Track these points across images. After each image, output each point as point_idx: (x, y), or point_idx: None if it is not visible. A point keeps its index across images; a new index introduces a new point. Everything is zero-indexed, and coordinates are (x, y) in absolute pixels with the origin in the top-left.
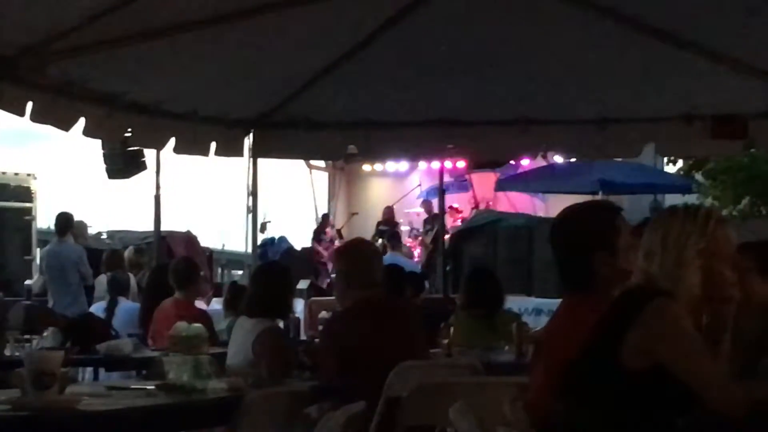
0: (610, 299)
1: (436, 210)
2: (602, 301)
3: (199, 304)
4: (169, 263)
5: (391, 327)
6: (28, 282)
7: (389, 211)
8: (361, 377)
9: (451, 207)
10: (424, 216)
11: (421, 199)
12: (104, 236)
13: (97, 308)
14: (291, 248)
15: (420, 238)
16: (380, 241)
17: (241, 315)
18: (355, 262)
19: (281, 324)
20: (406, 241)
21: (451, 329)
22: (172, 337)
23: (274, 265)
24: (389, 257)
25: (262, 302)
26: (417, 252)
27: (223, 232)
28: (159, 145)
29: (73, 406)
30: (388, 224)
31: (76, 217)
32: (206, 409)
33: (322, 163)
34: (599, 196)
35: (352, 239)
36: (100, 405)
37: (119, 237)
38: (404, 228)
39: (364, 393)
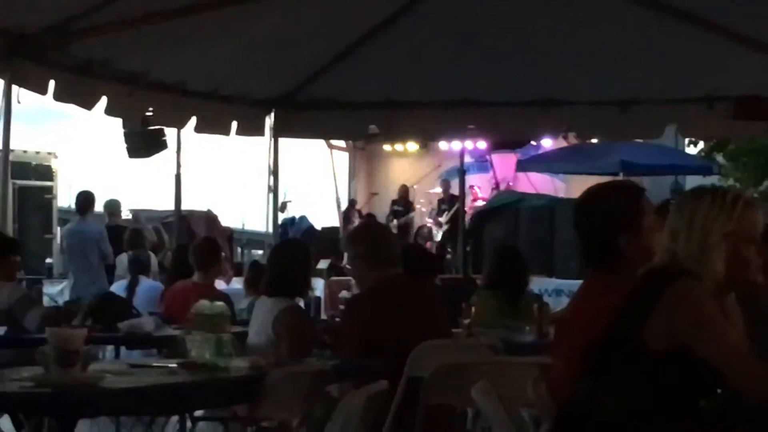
0: (634, 279)
1: (453, 190)
2: (626, 282)
3: (219, 284)
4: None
5: (413, 307)
6: (48, 260)
7: (404, 190)
8: (384, 357)
9: (470, 188)
10: (441, 197)
11: (441, 180)
12: (128, 215)
13: (118, 287)
14: (311, 227)
15: (438, 219)
16: (394, 221)
17: (262, 294)
18: (371, 242)
19: (302, 303)
20: (426, 221)
21: (472, 309)
22: (195, 315)
23: (291, 243)
24: None
25: (281, 281)
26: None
27: (244, 211)
28: (180, 124)
29: (97, 384)
30: (403, 203)
31: (98, 196)
32: (228, 387)
33: (342, 143)
34: (620, 177)
35: (363, 221)
36: (124, 382)
37: (145, 216)
38: (424, 209)
39: (385, 372)
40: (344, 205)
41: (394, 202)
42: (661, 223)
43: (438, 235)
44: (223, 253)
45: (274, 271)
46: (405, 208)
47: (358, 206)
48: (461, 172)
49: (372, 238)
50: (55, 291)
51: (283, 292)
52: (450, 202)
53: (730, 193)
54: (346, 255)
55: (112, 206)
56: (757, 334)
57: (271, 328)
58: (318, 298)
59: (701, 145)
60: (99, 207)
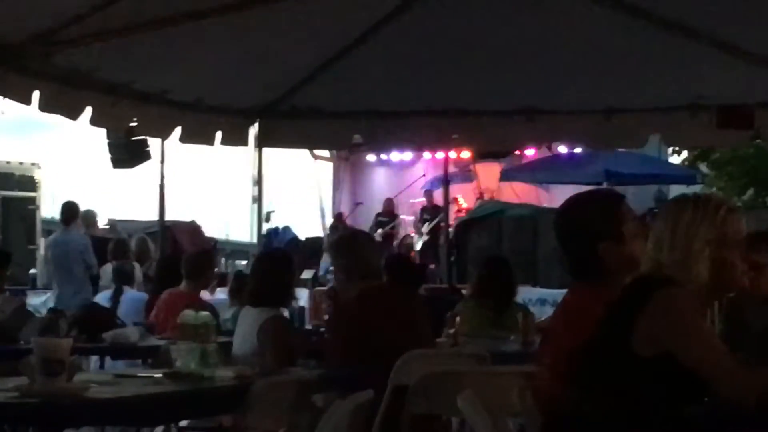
0: (617, 287)
1: (436, 201)
2: (609, 290)
3: (203, 294)
4: (177, 254)
5: (397, 316)
6: (32, 271)
7: (389, 203)
8: (369, 366)
9: (454, 199)
10: (423, 206)
11: (424, 190)
12: (106, 225)
13: (103, 297)
14: (295, 238)
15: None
16: (379, 231)
17: (246, 304)
18: (354, 253)
19: (286, 313)
20: (410, 231)
21: (457, 319)
22: (181, 325)
23: (274, 253)
24: None
25: (264, 291)
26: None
27: (228, 221)
28: (164, 135)
29: (82, 394)
30: (388, 216)
31: (81, 207)
32: (214, 397)
33: (326, 153)
34: (604, 186)
35: (347, 231)
36: (109, 393)
37: (121, 226)
38: (409, 218)
39: (371, 382)
40: (328, 215)
41: (378, 215)
42: (644, 231)
43: (418, 244)
44: (216, 269)
45: (257, 281)
46: (389, 220)
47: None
48: (445, 181)
49: (354, 250)
50: (39, 302)
51: (266, 302)
52: (433, 212)
53: (713, 200)
54: (321, 265)
55: (89, 216)
56: (741, 341)
57: (255, 338)
58: (302, 308)
59: (685, 154)
60: None
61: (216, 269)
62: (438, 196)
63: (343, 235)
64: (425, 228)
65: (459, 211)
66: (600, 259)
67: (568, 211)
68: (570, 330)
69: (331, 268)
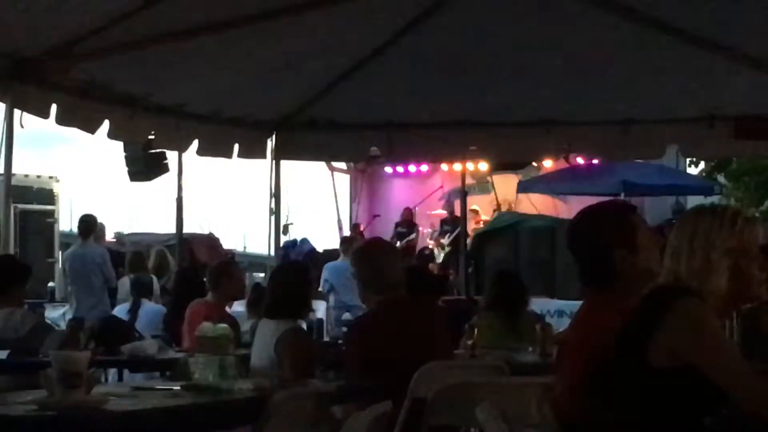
0: (632, 298)
1: (457, 212)
2: (624, 300)
3: None
4: (194, 266)
5: (416, 328)
6: (51, 284)
7: (408, 213)
8: (387, 378)
9: (471, 209)
10: (443, 218)
11: (443, 201)
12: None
13: (121, 310)
14: (313, 250)
15: (440, 240)
16: (398, 243)
17: (263, 317)
18: (373, 264)
19: (304, 324)
20: (428, 243)
21: (475, 330)
22: (198, 337)
23: (291, 265)
24: (340, 263)
25: (281, 303)
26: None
27: (245, 234)
28: (182, 147)
29: (100, 406)
30: (407, 225)
31: (100, 220)
32: (232, 410)
33: (343, 165)
34: (621, 198)
35: (369, 240)
36: (127, 405)
37: (136, 239)
38: (427, 230)
39: (389, 394)
40: (346, 227)
41: (397, 225)
42: (661, 241)
43: (440, 257)
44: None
45: (274, 293)
46: (408, 230)
47: (360, 228)
48: (463, 193)
49: (374, 260)
50: (57, 315)
51: (284, 314)
52: (453, 223)
53: (730, 210)
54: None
55: (97, 230)
56: (759, 351)
57: (273, 351)
58: (320, 320)
59: (702, 164)
60: None
61: (241, 279)
62: (457, 208)
63: (364, 245)
64: (446, 240)
65: (478, 222)
66: (614, 269)
67: (581, 222)
68: (586, 341)
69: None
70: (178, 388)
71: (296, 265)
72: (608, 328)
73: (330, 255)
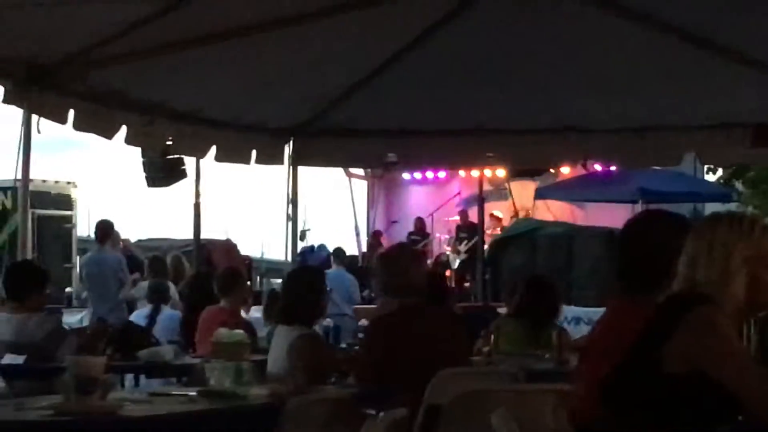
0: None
1: (471, 219)
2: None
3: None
4: (209, 271)
5: (434, 333)
6: (68, 289)
7: (420, 222)
8: (403, 384)
9: (491, 215)
10: (459, 224)
11: (460, 208)
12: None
13: (138, 316)
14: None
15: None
16: None
17: (278, 323)
18: (393, 269)
19: (322, 330)
20: (445, 249)
21: (492, 337)
22: (214, 343)
23: (304, 271)
24: (334, 272)
25: (295, 309)
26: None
27: (263, 240)
28: (200, 154)
29: (116, 412)
30: (420, 233)
31: (117, 226)
32: (248, 416)
33: (361, 171)
34: (639, 205)
35: (393, 246)
36: (142, 410)
37: (150, 246)
38: (444, 237)
39: (405, 400)
40: (363, 233)
41: (411, 234)
42: None
43: (455, 263)
44: (248, 283)
45: (287, 299)
46: (422, 238)
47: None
48: (480, 199)
49: (393, 265)
50: (75, 320)
51: (297, 320)
52: (468, 230)
53: (747, 218)
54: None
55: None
56: None
57: (287, 357)
58: (337, 326)
59: (720, 172)
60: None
61: (249, 283)
62: (473, 215)
63: (388, 250)
64: (463, 246)
65: (497, 226)
66: (667, 273)
67: (644, 227)
68: (616, 344)
69: None
70: (194, 393)
71: (309, 271)
72: (634, 333)
73: (348, 261)
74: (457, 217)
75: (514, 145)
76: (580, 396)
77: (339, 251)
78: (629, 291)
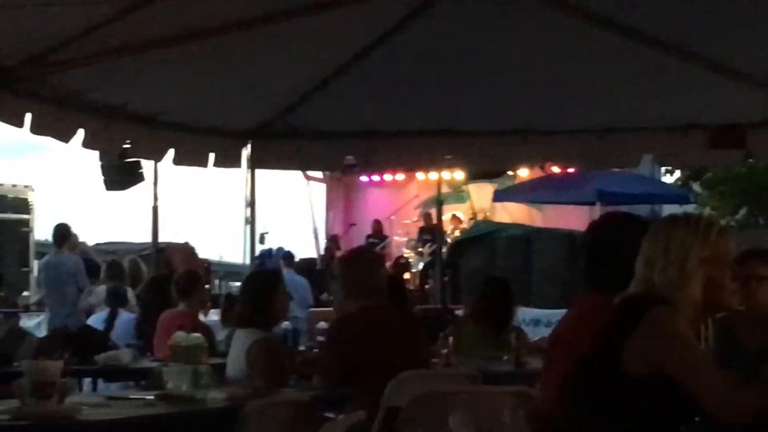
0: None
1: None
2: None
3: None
4: (166, 275)
5: (397, 334)
6: (25, 293)
7: (378, 224)
8: (364, 386)
9: (453, 216)
10: (422, 226)
11: (419, 210)
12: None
13: (96, 319)
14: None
15: (418, 249)
16: None
17: (236, 326)
18: (354, 271)
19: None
20: (403, 251)
21: (450, 339)
22: (172, 347)
23: (261, 274)
24: (285, 276)
25: (251, 312)
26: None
27: (221, 243)
28: (158, 157)
29: (73, 416)
30: (378, 236)
31: (75, 229)
32: (205, 419)
33: (319, 174)
34: (597, 207)
35: (354, 248)
36: (100, 415)
37: (107, 250)
38: (402, 239)
39: (365, 402)
40: (321, 236)
41: (369, 236)
42: None
43: (419, 266)
44: (207, 286)
45: (245, 302)
46: (380, 241)
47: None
48: (438, 202)
49: (354, 267)
50: (32, 324)
51: (255, 324)
52: (432, 232)
53: (703, 220)
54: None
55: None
56: (734, 360)
57: (245, 360)
58: (296, 329)
59: (678, 173)
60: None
61: (208, 286)
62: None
63: (350, 252)
64: (426, 249)
65: (458, 227)
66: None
67: (612, 227)
68: (582, 340)
69: None
70: (152, 397)
71: (266, 274)
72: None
73: (306, 264)
74: (416, 218)
75: (472, 147)
76: (542, 396)
77: (289, 255)
78: (596, 288)
